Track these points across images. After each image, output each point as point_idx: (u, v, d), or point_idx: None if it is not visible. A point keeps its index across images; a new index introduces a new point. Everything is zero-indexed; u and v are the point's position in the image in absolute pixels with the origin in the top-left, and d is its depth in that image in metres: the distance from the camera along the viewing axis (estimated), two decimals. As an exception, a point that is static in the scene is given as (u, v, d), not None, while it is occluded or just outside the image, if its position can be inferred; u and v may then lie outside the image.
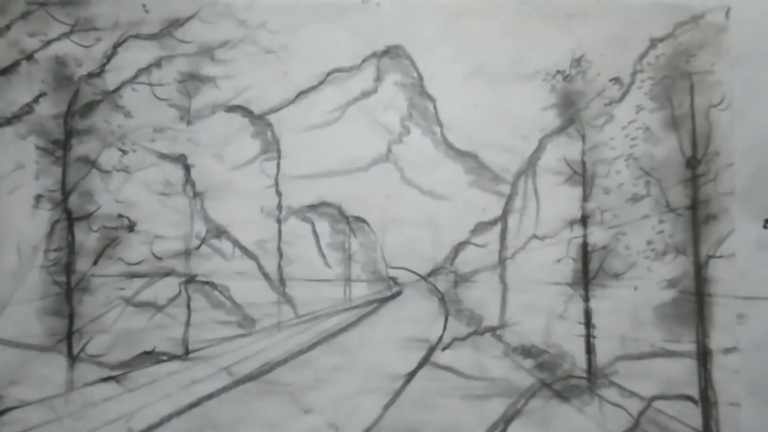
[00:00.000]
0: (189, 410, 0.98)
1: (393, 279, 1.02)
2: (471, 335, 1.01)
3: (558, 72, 1.02)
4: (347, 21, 1.03)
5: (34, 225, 1.00)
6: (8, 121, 1.01)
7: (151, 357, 0.99)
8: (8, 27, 1.02)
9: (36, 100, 1.01)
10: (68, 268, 1.00)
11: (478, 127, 1.02)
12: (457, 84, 1.02)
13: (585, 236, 1.01)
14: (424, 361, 1.00)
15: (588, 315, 1.00)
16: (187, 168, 1.01)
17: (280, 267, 1.01)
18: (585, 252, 1.01)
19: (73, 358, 0.98)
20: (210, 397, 0.99)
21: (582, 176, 1.02)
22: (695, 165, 1.01)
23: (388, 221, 1.01)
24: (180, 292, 1.00)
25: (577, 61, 1.02)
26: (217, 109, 1.02)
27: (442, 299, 1.01)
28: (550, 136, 1.02)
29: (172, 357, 0.99)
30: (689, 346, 0.99)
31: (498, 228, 1.02)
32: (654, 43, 1.03)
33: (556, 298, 1.01)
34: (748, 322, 0.99)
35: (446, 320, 1.01)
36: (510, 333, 1.00)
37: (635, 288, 1.00)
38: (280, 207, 1.02)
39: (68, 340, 0.99)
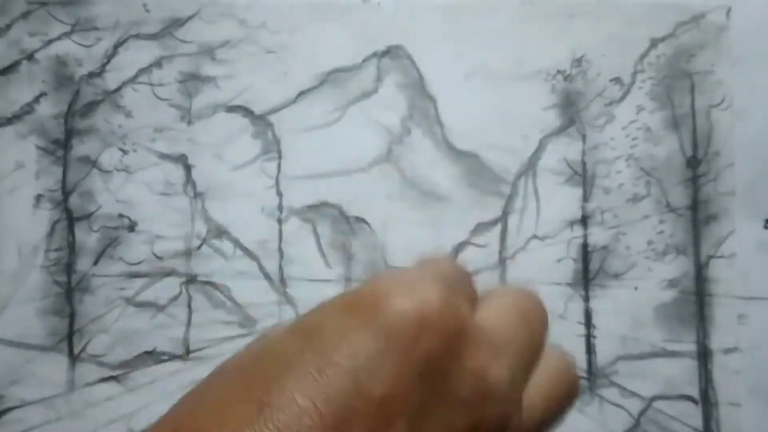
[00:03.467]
0: (190, 410, 0.98)
1: (393, 279, 1.01)
2: (471, 335, 1.01)
3: (558, 72, 1.02)
4: (348, 21, 1.02)
5: (34, 225, 1.00)
6: (8, 121, 1.00)
7: (151, 357, 0.99)
8: (8, 26, 1.01)
9: (36, 99, 1.01)
10: (69, 268, 0.99)
11: (478, 128, 1.02)
12: (457, 84, 1.02)
13: (585, 236, 1.01)
14: (424, 361, 1.00)
15: (588, 315, 1.00)
16: (187, 168, 1.01)
17: (281, 267, 1.01)
18: (585, 252, 1.01)
19: (73, 358, 0.98)
20: (211, 397, 0.99)
21: (582, 176, 1.02)
22: (696, 165, 1.01)
23: (388, 221, 1.01)
24: (181, 292, 1.00)
25: (578, 61, 1.02)
26: (218, 109, 1.02)
27: (442, 299, 1.01)
28: (550, 136, 1.02)
29: (173, 357, 0.99)
30: (690, 346, 0.99)
31: (498, 228, 1.02)
32: (654, 43, 1.02)
33: (556, 298, 1.01)
34: (748, 323, 0.99)
35: (447, 320, 1.01)
36: (510, 333, 1.00)
37: (635, 288, 1.00)
38: (281, 207, 1.02)
39: (69, 340, 0.99)
